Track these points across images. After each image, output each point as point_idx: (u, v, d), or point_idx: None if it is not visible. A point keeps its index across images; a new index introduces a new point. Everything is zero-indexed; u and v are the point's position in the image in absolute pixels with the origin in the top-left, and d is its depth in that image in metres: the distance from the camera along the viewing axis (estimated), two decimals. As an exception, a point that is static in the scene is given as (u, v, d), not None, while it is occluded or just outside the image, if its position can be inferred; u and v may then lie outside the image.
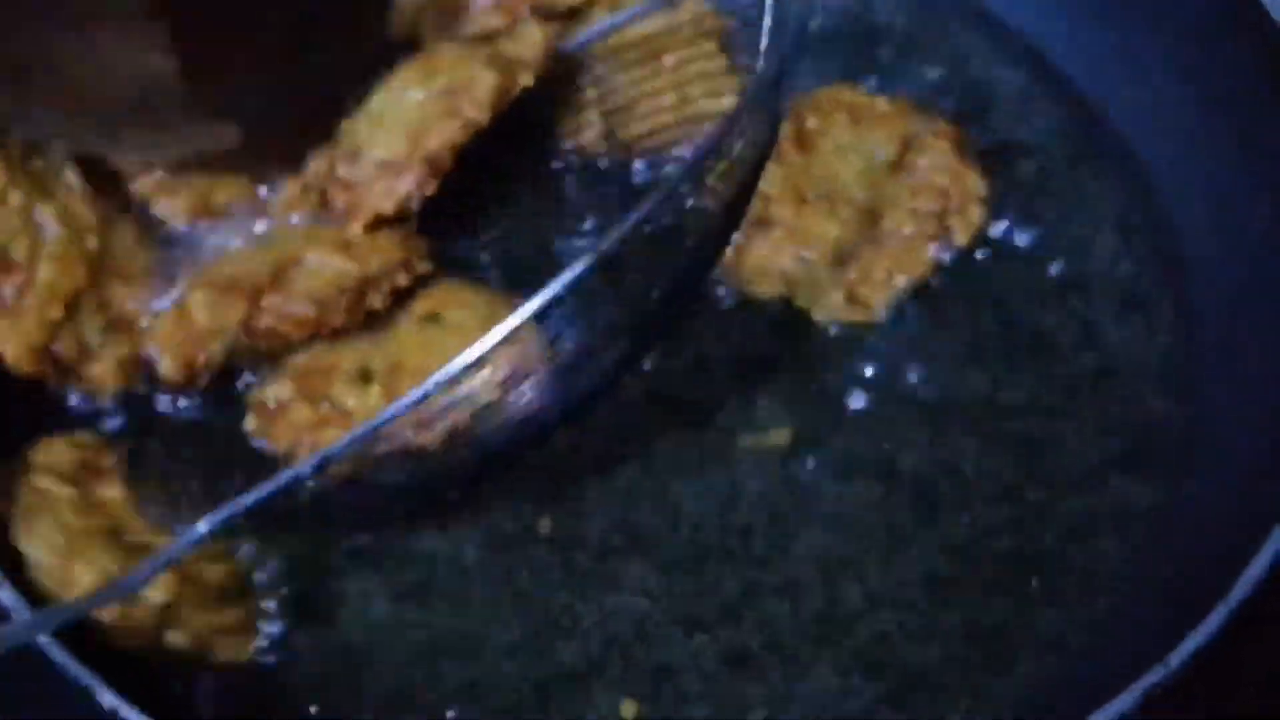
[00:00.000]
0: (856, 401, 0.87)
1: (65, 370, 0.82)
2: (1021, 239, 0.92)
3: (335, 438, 0.75)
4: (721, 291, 0.89)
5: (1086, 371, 0.89)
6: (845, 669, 0.79)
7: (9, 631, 0.70)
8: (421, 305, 0.85)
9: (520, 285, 0.81)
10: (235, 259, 0.85)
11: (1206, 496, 0.83)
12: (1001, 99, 0.98)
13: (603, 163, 0.94)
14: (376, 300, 0.84)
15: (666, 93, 0.93)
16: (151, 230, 0.86)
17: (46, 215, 0.82)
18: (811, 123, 0.92)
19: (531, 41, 0.88)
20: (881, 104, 0.89)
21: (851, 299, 0.88)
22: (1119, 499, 0.84)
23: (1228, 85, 0.91)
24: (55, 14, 0.77)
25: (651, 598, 0.81)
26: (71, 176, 0.84)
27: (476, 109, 0.84)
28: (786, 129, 0.90)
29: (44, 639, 0.70)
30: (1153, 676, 0.70)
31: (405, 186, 0.84)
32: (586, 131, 0.94)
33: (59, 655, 0.70)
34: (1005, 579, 0.82)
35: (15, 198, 0.82)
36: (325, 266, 0.83)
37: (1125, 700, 0.69)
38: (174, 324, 0.82)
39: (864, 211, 0.89)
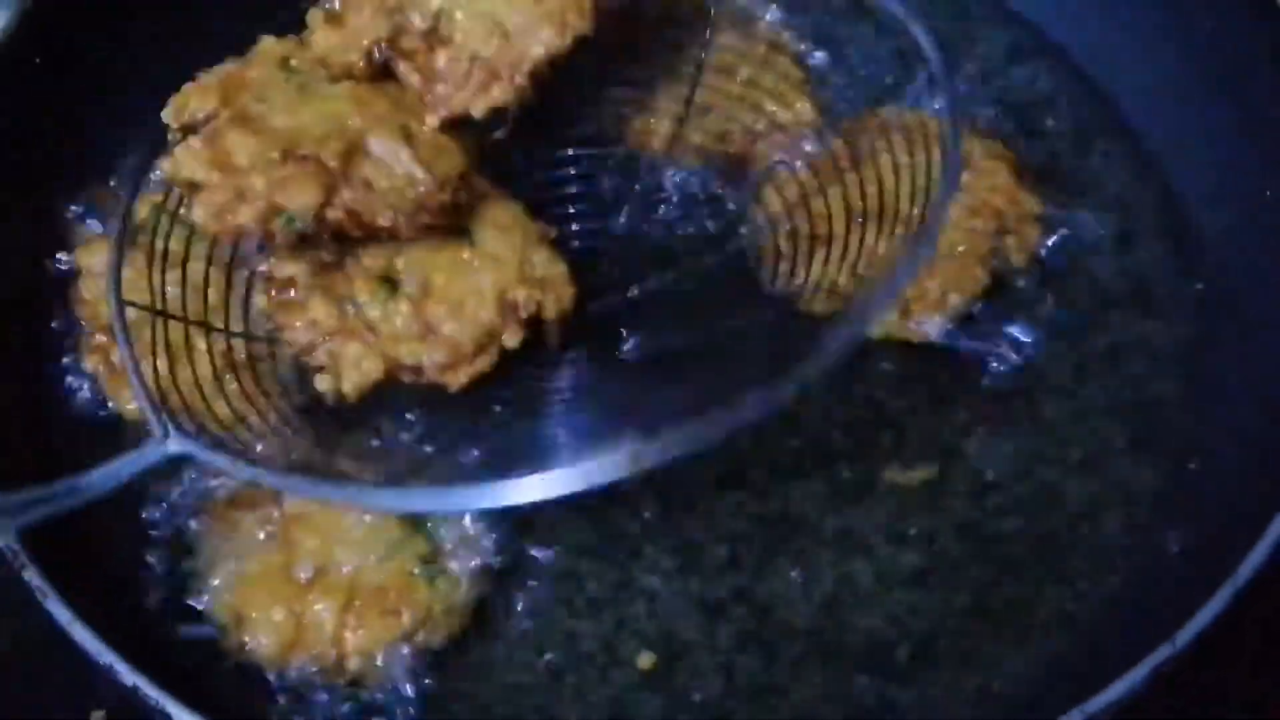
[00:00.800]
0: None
1: None
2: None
3: (355, 354, 0.79)
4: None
5: (1094, 353, 0.89)
6: (857, 648, 0.80)
7: None
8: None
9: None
10: (277, 104, 0.78)
11: (1212, 477, 0.83)
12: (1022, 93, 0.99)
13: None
14: (426, 217, 0.78)
15: (740, 102, 0.92)
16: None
17: None
18: (865, 143, 0.89)
19: None
20: (933, 124, 0.81)
21: (906, 316, 0.87)
22: (1125, 480, 0.85)
23: (1236, 69, 0.91)
24: None
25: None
26: None
27: (581, 17, 0.79)
28: (840, 147, 0.89)
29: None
30: (1160, 654, 0.71)
31: (502, 96, 0.79)
32: (655, 135, 0.93)
33: (80, 634, 0.72)
34: (1014, 559, 0.83)
35: None
36: (395, 162, 0.77)
37: (1133, 678, 0.70)
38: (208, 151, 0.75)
39: None
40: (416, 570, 0.79)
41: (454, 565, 0.80)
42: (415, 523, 0.80)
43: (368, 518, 0.80)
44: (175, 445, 0.74)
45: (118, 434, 0.84)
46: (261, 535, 0.81)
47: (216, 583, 0.80)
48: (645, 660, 0.80)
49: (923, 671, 0.80)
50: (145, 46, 0.92)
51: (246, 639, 0.78)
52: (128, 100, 0.89)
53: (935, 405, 0.87)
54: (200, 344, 0.81)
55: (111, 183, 0.91)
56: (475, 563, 0.80)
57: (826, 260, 0.86)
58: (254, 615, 0.78)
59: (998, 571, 0.82)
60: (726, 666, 0.80)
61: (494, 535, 0.81)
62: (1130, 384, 0.88)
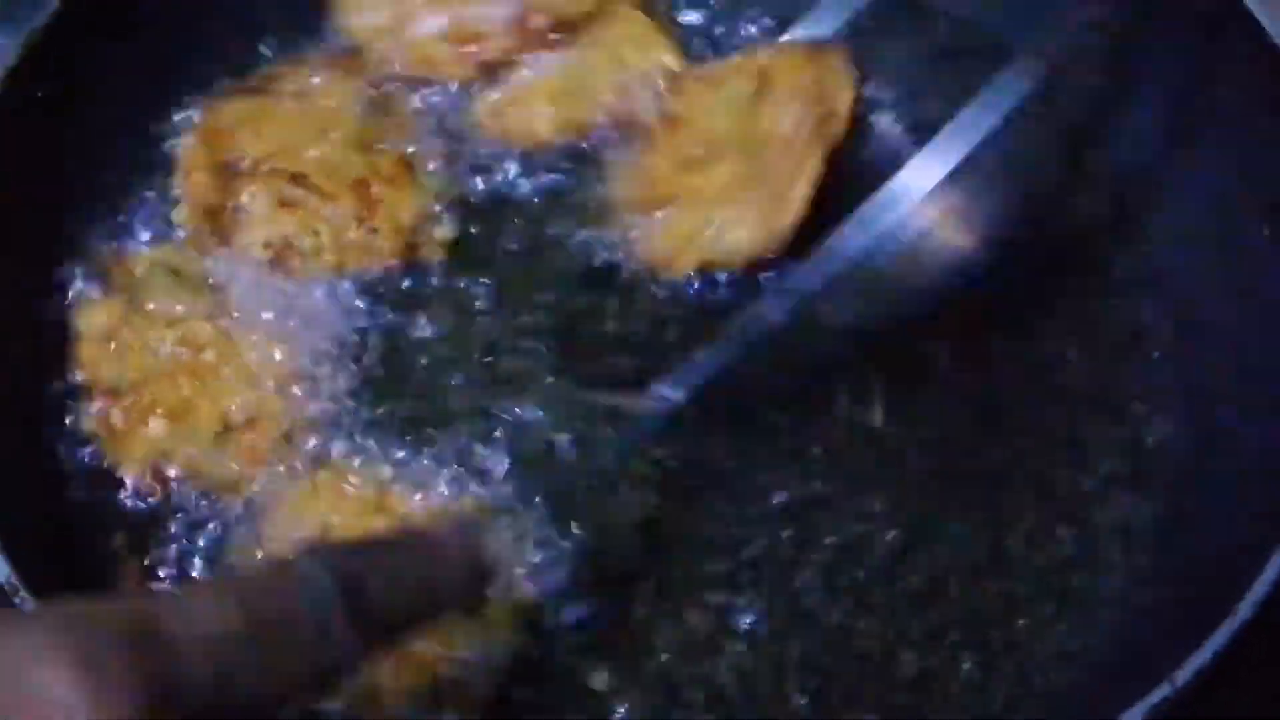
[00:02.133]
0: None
1: None
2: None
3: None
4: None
5: (1091, 391, 0.89)
6: (852, 684, 0.80)
7: None
8: None
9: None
10: None
11: (1210, 513, 0.83)
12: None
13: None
14: None
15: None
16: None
17: None
18: (671, 104, 0.92)
19: None
20: (730, 62, 0.92)
21: (764, 226, 0.86)
22: (1123, 516, 0.85)
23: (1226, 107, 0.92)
24: None
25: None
26: None
27: None
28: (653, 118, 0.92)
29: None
30: (1158, 694, 0.70)
31: None
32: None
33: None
34: (1009, 595, 0.83)
35: None
36: None
37: (1131, 717, 0.70)
38: None
39: (746, 143, 0.88)
40: None
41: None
42: None
43: None
44: None
45: (119, 495, 0.84)
46: None
47: None
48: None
49: (921, 707, 0.79)
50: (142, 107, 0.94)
51: None
52: (128, 158, 0.92)
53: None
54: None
55: (113, 244, 0.92)
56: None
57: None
58: None
59: (991, 609, 0.82)
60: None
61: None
62: (1129, 421, 0.89)
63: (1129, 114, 0.95)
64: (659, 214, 0.89)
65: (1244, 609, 0.72)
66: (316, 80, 0.94)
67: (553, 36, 0.93)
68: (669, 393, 0.79)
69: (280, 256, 0.89)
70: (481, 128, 0.93)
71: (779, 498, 0.85)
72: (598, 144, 0.93)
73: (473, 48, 0.92)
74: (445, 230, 0.92)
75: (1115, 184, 0.96)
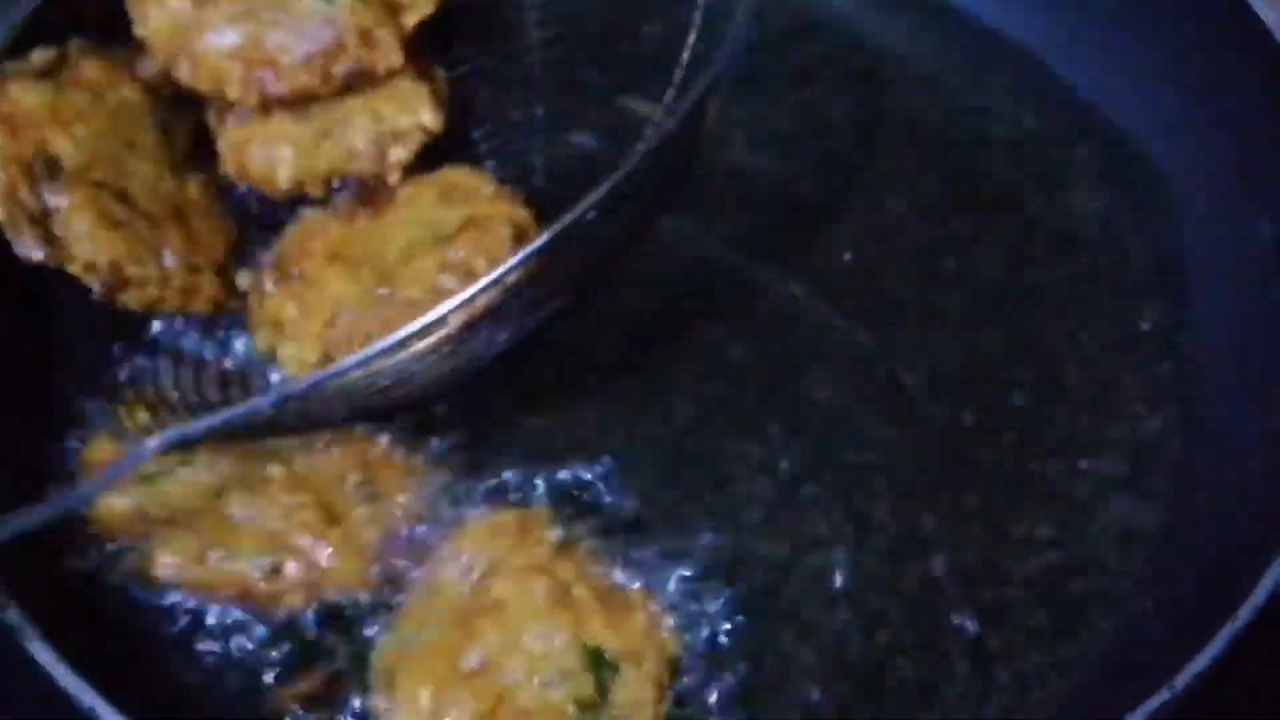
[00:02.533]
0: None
1: None
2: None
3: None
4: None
5: (1089, 392, 0.89)
6: (848, 693, 0.79)
7: None
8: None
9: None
10: None
11: (1210, 517, 0.83)
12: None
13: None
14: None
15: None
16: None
17: None
18: None
19: None
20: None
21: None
22: (1121, 519, 0.84)
23: (1233, 107, 0.91)
24: None
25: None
26: None
27: None
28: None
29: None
30: (1159, 698, 0.70)
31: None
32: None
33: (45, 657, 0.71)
34: (1006, 600, 0.82)
35: None
36: None
37: (1132, 721, 0.69)
38: None
39: None
40: (570, 710, 0.76)
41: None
42: (592, 662, 0.77)
43: (558, 641, 0.77)
44: (156, 441, 0.73)
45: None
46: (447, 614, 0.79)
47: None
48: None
49: (919, 714, 0.79)
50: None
51: (384, 700, 0.77)
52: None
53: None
54: None
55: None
56: None
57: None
58: (405, 683, 0.77)
59: (992, 613, 0.81)
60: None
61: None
62: (1128, 422, 0.88)
63: (1130, 113, 0.96)
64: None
65: (1244, 614, 0.72)
66: (105, 76, 0.86)
67: (347, 87, 0.85)
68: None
69: (107, 284, 0.81)
70: (223, 159, 0.87)
71: (767, 505, 0.85)
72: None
73: (266, 74, 0.84)
74: (247, 280, 0.87)
75: (1115, 183, 0.96)
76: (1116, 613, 0.81)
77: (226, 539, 0.80)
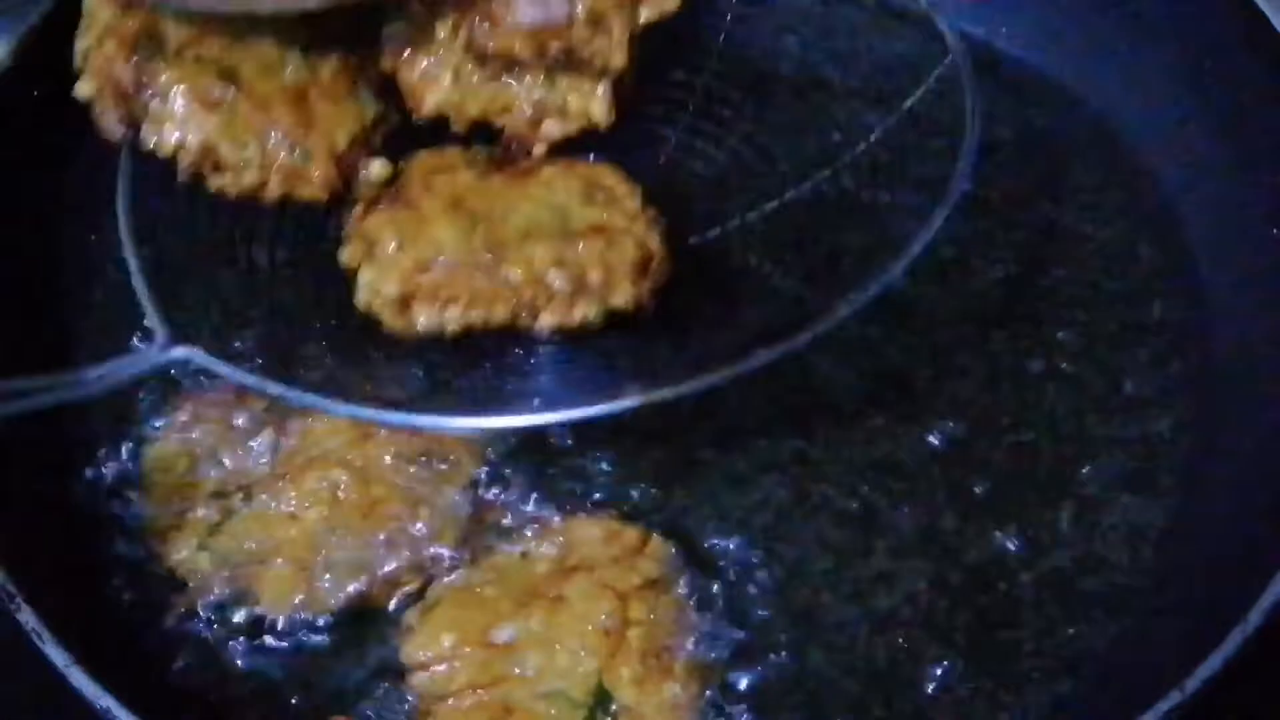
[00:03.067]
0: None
1: None
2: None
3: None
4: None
5: (1098, 391, 0.89)
6: (856, 692, 0.79)
7: None
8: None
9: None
10: None
11: (1220, 517, 0.83)
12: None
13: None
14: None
15: None
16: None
17: None
18: None
19: None
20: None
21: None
22: (1131, 518, 0.85)
23: (1239, 111, 0.92)
24: None
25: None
26: None
27: None
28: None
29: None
30: (1170, 701, 0.70)
31: None
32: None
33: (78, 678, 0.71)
34: (1015, 599, 0.82)
35: None
36: None
37: (1143, 724, 0.69)
38: None
39: None
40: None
41: None
42: (596, 700, 0.76)
43: (584, 664, 0.77)
44: (179, 350, 0.73)
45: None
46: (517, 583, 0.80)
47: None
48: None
49: (928, 713, 0.79)
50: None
51: (415, 619, 0.78)
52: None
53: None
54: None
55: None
56: None
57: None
58: (439, 619, 0.78)
59: (1001, 613, 0.82)
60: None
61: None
62: (1137, 421, 0.88)
63: (1141, 114, 0.96)
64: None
65: (1255, 616, 0.72)
66: None
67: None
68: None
69: (197, 166, 0.78)
70: (382, 53, 0.83)
71: (774, 506, 0.85)
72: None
73: (481, 25, 0.80)
74: (379, 168, 0.82)
75: (1123, 188, 0.96)
76: (1126, 613, 0.81)
77: None
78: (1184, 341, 0.90)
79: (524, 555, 0.81)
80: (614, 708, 0.76)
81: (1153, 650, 0.78)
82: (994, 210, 0.96)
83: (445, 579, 0.80)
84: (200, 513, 0.82)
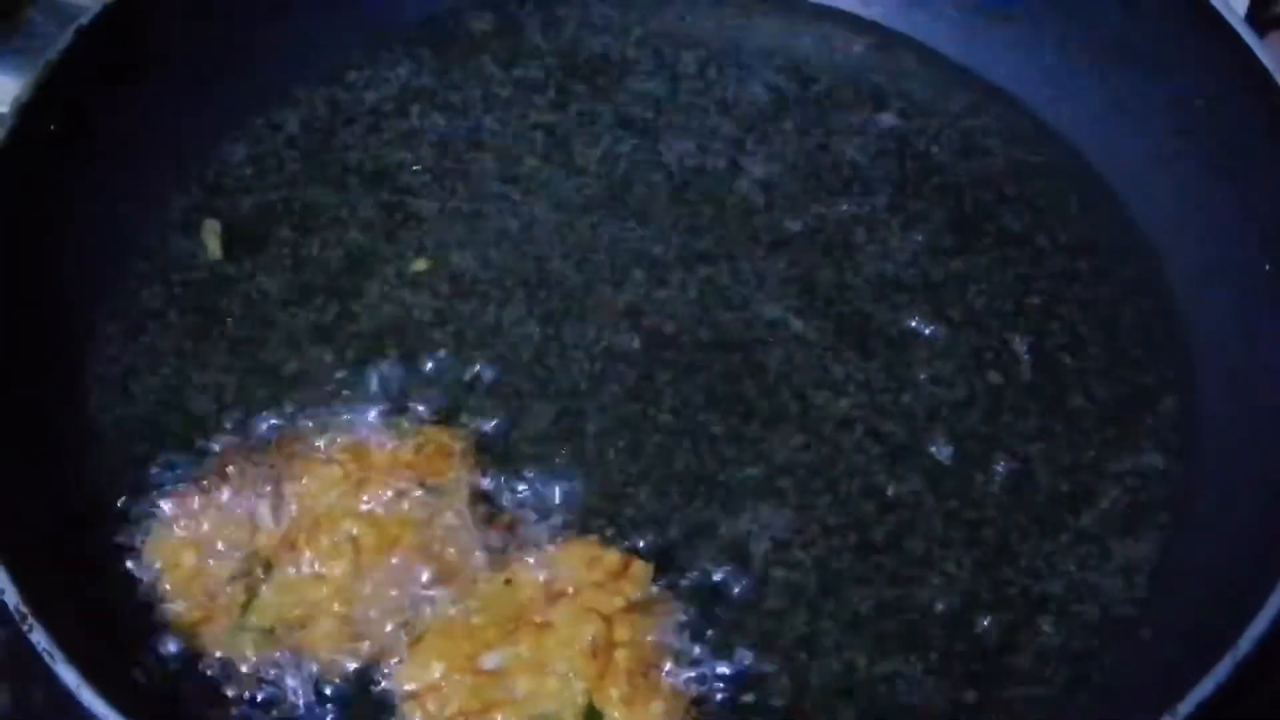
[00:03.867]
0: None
1: None
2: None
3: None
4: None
5: (1094, 421, 0.90)
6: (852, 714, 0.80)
7: None
8: None
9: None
10: None
11: (1211, 546, 0.83)
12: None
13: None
14: None
15: None
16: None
17: None
18: None
19: None
20: None
21: None
22: (1126, 545, 0.85)
23: (1230, 147, 0.93)
24: None
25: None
26: None
27: None
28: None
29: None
30: (1160, 726, 0.70)
31: None
32: None
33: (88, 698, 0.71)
34: (1008, 625, 0.83)
35: None
36: None
37: (1132, 750, 0.70)
38: None
39: None
40: None
41: None
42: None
43: (574, 687, 0.78)
44: None
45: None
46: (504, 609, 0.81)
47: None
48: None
49: None
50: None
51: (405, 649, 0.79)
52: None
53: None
54: None
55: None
56: None
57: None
58: (428, 648, 0.79)
59: (993, 638, 0.82)
60: None
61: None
62: (1132, 450, 0.89)
63: (1135, 147, 0.97)
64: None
65: (1245, 643, 0.72)
66: None
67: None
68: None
69: None
70: None
71: (772, 535, 0.86)
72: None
73: None
74: None
75: (1109, 222, 0.98)
76: (1119, 640, 0.82)
77: None
78: (1176, 377, 0.91)
79: (508, 582, 0.82)
80: None
81: (1146, 676, 0.79)
82: (983, 247, 0.97)
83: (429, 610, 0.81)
84: (225, 597, 0.82)
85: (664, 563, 0.83)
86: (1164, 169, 0.97)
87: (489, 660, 0.79)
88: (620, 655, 0.79)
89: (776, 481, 0.87)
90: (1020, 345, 0.92)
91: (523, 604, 0.81)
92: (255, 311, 0.94)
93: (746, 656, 0.81)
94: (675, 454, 0.88)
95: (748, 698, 0.80)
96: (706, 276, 0.95)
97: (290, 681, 0.80)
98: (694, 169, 0.99)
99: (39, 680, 0.74)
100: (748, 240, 0.97)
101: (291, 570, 0.82)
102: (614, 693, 0.77)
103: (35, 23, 0.98)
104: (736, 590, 0.83)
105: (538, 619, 0.80)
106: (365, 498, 0.84)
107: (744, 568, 0.84)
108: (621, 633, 0.79)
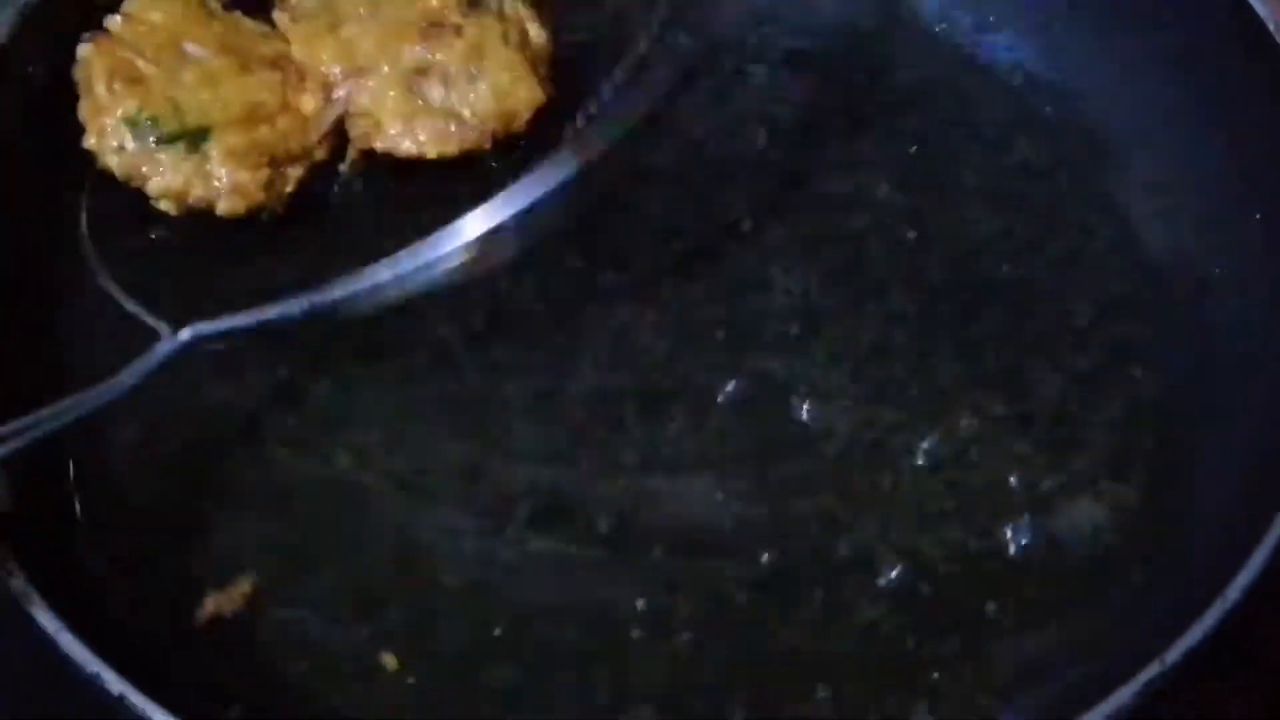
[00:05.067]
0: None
1: None
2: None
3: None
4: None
5: (1080, 368, 0.90)
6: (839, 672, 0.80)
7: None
8: None
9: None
10: None
11: (1202, 495, 0.84)
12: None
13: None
14: None
15: None
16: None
17: None
18: None
19: None
20: None
21: None
22: (1114, 496, 0.85)
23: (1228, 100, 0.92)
24: None
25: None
26: None
27: None
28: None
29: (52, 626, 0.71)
30: (1149, 672, 0.70)
31: None
32: None
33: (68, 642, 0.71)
34: (996, 576, 0.83)
35: None
36: None
37: (1122, 695, 0.70)
38: None
39: None
40: None
41: None
42: None
43: None
44: (186, 333, 0.76)
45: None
46: None
47: None
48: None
49: (900, 680, 0.79)
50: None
51: None
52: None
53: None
54: None
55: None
56: None
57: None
58: None
59: (984, 589, 0.82)
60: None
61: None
62: (1120, 398, 0.89)
63: (1128, 106, 0.97)
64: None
65: (1233, 592, 0.72)
66: None
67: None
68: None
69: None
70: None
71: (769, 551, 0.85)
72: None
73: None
74: None
75: (1100, 193, 0.97)
76: (1108, 588, 0.82)
77: None
78: (1171, 327, 0.91)
79: None
80: None
81: (1135, 624, 0.79)
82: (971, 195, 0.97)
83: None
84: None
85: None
86: (1161, 134, 0.96)
87: None
88: None
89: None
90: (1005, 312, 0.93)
91: None
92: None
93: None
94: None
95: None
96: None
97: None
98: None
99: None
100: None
101: None
102: None
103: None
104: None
105: None
106: None
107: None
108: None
